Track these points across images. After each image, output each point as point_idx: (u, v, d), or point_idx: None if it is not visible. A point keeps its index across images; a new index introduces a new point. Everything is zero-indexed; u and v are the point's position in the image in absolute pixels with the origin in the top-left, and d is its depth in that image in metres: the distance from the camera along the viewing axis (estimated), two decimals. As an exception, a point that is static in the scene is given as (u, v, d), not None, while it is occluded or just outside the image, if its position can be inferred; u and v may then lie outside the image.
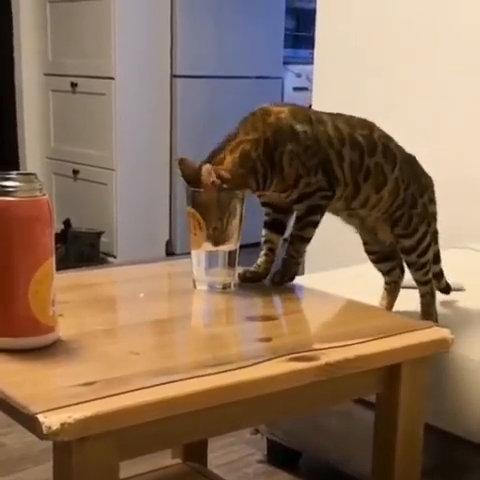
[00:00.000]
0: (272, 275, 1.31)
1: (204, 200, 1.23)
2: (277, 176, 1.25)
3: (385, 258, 1.43)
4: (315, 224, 1.28)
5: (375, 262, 1.44)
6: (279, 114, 1.26)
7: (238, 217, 1.27)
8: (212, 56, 4.19)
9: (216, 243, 1.25)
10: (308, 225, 1.28)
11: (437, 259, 1.47)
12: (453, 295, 1.59)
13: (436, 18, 2.56)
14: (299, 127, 1.25)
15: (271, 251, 1.32)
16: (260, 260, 1.32)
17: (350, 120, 1.31)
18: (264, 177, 1.25)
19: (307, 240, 1.29)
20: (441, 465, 1.49)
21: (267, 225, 1.33)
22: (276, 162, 1.24)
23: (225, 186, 1.22)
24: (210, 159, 1.25)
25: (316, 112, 1.31)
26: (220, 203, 1.23)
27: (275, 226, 1.33)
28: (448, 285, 1.54)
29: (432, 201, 1.40)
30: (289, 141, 1.24)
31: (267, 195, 1.30)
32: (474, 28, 2.46)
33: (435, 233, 1.43)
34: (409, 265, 1.39)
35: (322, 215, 1.28)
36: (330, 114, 1.31)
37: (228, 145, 1.25)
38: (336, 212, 1.35)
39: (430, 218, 1.39)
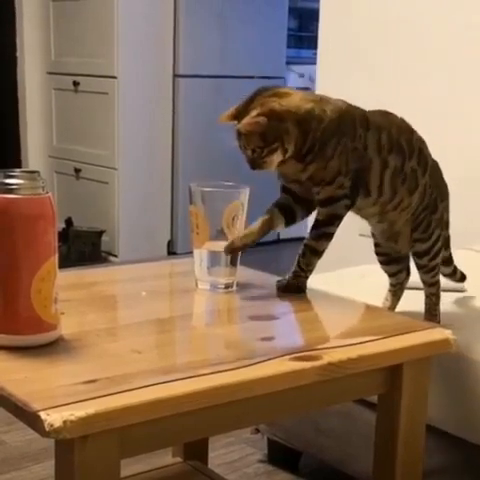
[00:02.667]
0: (279, 282, 1.30)
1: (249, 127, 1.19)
2: (320, 160, 1.22)
3: (393, 261, 1.43)
4: (330, 236, 1.26)
5: (383, 264, 1.45)
6: (341, 104, 1.25)
7: (242, 218, 1.27)
8: (214, 56, 4.19)
9: (253, 165, 1.22)
10: (323, 236, 1.25)
11: (449, 262, 1.52)
12: (455, 296, 1.59)
13: (440, 18, 2.56)
14: (358, 127, 1.25)
15: (269, 222, 1.27)
16: (255, 225, 1.27)
17: (399, 123, 1.31)
18: (308, 150, 1.21)
19: (319, 254, 1.26)
20: (443, 467, 1.49)
21: (278, 205, 1.28)
22: (328, 147, 1.21)
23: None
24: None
25: (372, 114, 1.29)
26: (264, 134, 1.19)
27: (284, 209, 1.28)
28: (463, 275, 1.58)
29: (448, 208, 1.42)
30: (348, 134, 1.23)
31: (297, 182, 1.26)
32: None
33: (448, 238, 1.46)
34: (419, 267, 1.40)
35: (337, 226, 1.26)
36: (383, 116, 1.29)
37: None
38: (367, 217, 1.35)
39: (444, 224, 1.41)
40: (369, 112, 1.29)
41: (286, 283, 1.28)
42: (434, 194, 1.36)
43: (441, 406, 1.40)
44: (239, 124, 1.20)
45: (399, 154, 1.28)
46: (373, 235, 1.43)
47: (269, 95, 1.22)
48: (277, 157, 1.21)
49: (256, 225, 1.26)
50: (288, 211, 1.28)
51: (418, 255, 1.39)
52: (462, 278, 1.59)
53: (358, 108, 1.28)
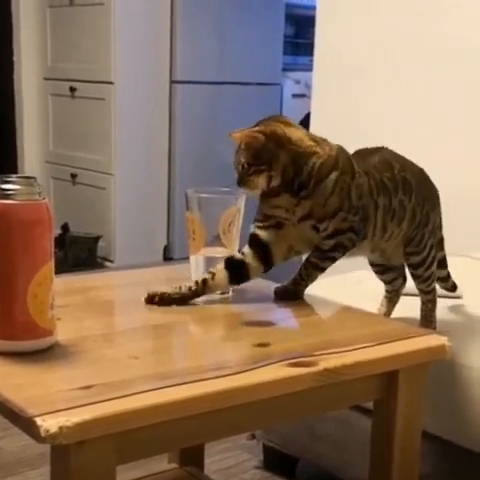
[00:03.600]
0: (277, 288, 1.30)
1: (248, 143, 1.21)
2: (319, 196, 1.21)
3: (388, 269, 1.43)
4: (335, 260, 1.26)
5: (378, 273, 1.45)
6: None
7: (239, 224, 1.27)
8: (211, 62, 4.20)
9: (239, 182, 1.23)
10: (328, 259, 1.25)
11: (443, 264, 1.51)
12: (451, 302, 1.60)
13: (436, 27, 2.57)
14: (355, 167, 1.25)
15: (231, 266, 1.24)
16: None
17: (375, 164, 1.30)
18: (302, 185, 1.21)
19: (322, 270, 1.26)
20: (439, 473, 1.49)
21: (252, 244, 1.25)
22: (325, 183, 1.21)
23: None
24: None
25: (358, 162, 1.29)
26: (258, 151, 1.20)
27: (262, 252, 1.25)
28: (454, 284, 1.58)
29: (440, 213, 1.42)
30: (347, 173, 1.23)
31: (290, 223, 1.24)
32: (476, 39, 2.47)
33: (441, 240, 1.46)
34: (415, 277, 1.40)
35: (343, 255, 1.26)
36: (357, 158, 1.29)
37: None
38: (361, 253, 1.34)
39: (437, 230, 1.41)
40: (353, 156, 1.30)
41: (284, 289, 1.28)
42: (425, 208, 1.35)
43: (433, 411, 1.40)
44: (239, 133, 1.21)
45: (385, 194, 1.28)
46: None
47: (278, 121, 1.24)
48: (262, 181, 1.22)
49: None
50: (266, 252, 1.25)
51: (413, 267, 1.39)
52: (453, 287, 1.58)
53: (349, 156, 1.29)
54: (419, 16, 2.61)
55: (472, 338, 1.47)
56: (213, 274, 1.24)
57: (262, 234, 1.25)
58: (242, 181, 1.23)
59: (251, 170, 1.22)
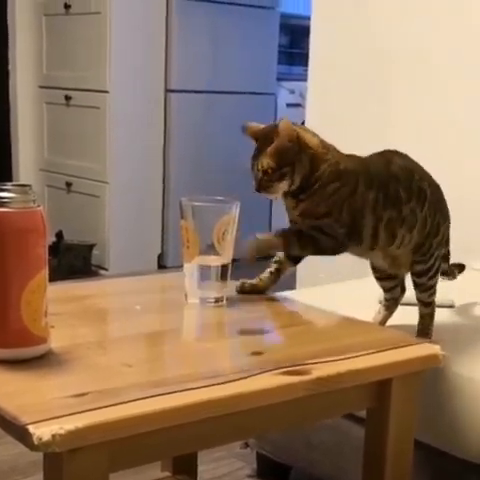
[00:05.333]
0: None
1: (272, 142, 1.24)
2: (316, 198, 1.25)
3: (390, 276, 1.44)
4: (313, 239, 1.27)
5: (379, 279, 1.45)
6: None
7: (233, 232, 1.27)
8: (206, 71, 4.21)
9: (259, 188, 1.26)
10: (306, 235, 1.28)
11: (446, 258, 1.50)
12: (445, 312, 1.60)
13: (431, 36, 2.59)
14: (361, 185, 1.27)
15: (278, 271, 1.34)
16: (264, 275, 1.34)
17: (397, 171, 1.31)
18: (307, 187, 1.25)
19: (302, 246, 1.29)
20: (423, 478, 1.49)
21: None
22: (326, 189, 1.25)
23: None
24: None
25: (375, 164, 1.31)
26: (282, 153, 1.23)
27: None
28: (454, 272, 1.55)
29: (449, 227, 1.43)
30: (348, 187, 1.26)
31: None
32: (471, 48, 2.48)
33: (447, 254, 1.47)
34: (417, 286, 1.40)
35: (320, 243, 1.27)
36: (384, 166, 1.31)
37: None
38: (371, 258, 1.37)
39: (444, 243, 1.42)
40: (372, 162, 1.32)
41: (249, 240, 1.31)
42: (436, 219, 1.36)
43: (421, 418, 1.40)
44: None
45: (395, 205, 1.30)
46: (371, 263, 1.43)
47: (295, 126, 1.27)
48: (283, 185, 1.25)
49: (266, 276, 1.34)
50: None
51: (417, 275, 1.39)
52: (452, 273, 1.55)
53: (364, 163, 1.31)
54: (416, 26, 2.63)
55: (465, 347, 1.47)
56: (281, 261, 1.32)
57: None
58: (263, 186, 1.26)
59: (275, 175, 1.23)
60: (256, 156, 1.26)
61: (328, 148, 1.28)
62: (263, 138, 1.26)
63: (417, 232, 1.34)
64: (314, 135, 1.28)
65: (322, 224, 1.26)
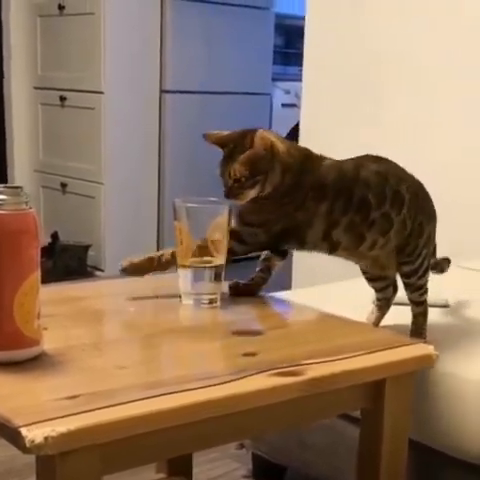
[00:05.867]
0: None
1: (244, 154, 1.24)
2: (265, 205, 1.28)
3: (380, 278, 1.44)
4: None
5: (369, 280, 1.45)
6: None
7: (226, 233, 1.27)
8: (201, 72, 4.21)
9: (229, 195, 1.26)
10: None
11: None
12: (438, 312, 1.60)
13: (424, 38, 2.59)
14: (309, 199, 1.28)
15: (268, 268, 1.34)
16: (255, 275, 1.34)
17: (368, 177, 1.31)
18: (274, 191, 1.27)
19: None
20: (416, 477, 1.49)
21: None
22: (274, 202, 1.27)
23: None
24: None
25: (339, 178, 1.31)
26: (255, 163, 1.24)
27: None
28: (442, 267, 1.54)
29: (434, 226, 1.42)
30: (294, 200, 1.27)
31: None
32: (467, 49, 2.48)
33: (434, 249, 1.46)
34: (407, 286, 1.40)
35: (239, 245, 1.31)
36: (355, 169, 1.31)
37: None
38: (345, 258, 1.37)
39: (431, 242, 1.42)
40: (340, 168, 1.31)
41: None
42: (418, 219, 1.36)
43: (414, 418, 1.40)
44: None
45: (360, 210, 1.29)
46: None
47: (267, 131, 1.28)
48: (253, 193, 1.26)
49: (257, 275, 1.35)
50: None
51: (406, 276, 1.39)
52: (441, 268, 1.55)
53: (327, 172, 1.30)
54: (410, 26, 2.63)
55: (458, 347, 1.47)
56: (269, 258, 1.34)
57: None
58: (233, 194, 1.26)
59: (248, 183, 1.24)
60: (226, 162, 1.26)
61: (295, 157, 1.28)
62: (232, 145, 1.26)
63: (394, 235, 1.33)
64: (282, 142, 1.28)
65: (246, 231, 1.29)
